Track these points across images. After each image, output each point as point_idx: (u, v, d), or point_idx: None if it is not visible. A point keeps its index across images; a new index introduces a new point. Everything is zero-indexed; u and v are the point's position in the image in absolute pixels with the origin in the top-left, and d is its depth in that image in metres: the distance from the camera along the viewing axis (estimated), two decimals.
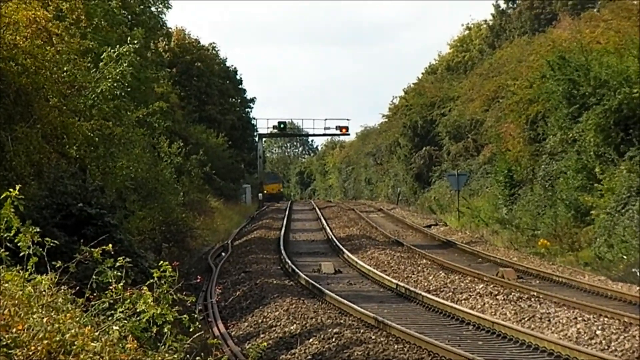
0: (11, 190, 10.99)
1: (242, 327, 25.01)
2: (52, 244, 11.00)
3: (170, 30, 78.44)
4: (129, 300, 10.49)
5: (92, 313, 10.46)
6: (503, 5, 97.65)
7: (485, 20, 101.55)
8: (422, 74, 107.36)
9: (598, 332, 21.91)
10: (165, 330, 10.11)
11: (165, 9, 58.19)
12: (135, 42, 36.69)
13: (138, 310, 10.30)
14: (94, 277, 11.07)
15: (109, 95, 33.12)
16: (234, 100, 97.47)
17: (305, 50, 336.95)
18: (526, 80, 52.21)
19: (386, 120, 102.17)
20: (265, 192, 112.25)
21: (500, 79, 64.11)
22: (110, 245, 11.51)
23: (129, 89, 35.78)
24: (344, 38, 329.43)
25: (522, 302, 26.49)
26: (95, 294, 10.87)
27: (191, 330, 10.63)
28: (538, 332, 21.95)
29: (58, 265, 11.00)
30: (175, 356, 9.45)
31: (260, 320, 25.30)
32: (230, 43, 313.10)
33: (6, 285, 10.00)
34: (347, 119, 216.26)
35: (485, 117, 64.00)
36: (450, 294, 29.00)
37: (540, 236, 41.53)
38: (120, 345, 8.92)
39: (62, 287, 10.90)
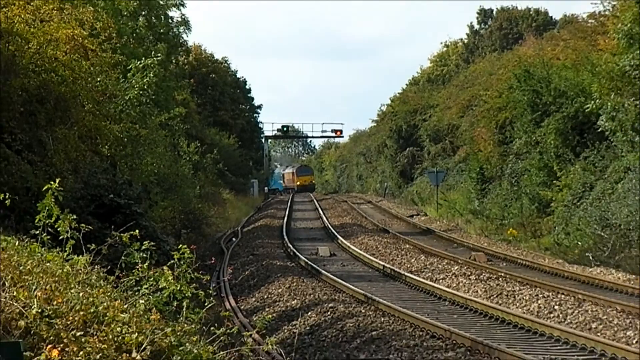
0: (52, 183, 11.03)
1: (250, 302, 25.06)
2: (86, 230, 11.03)
3: (189, 46, 78.39)
4: (152, 278, 10.52)
5: (121, 289, 10.50)
6: (476, 26, 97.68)
7: (461, 39, 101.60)
8: (406, 84, 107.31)
9: (556, 307, 21.96)
10: (184, 304, 10.14)
11: (187, 31, 58.27)
12: (159, 54, 36.78)
13: (160, 287, 10.33)
14: (122, 258, 11.10)
15: (135, 102, 33.23)
16: (243, 106, 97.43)
17: (306, 63, 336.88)
18: (496, 91, 52.19)
19: (375, 124, 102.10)
20: (298, 183, 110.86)
21: (474, 90, 64.10)
22: (136, 231, 11.53)
23: (153, 97, 35.86)
24: (340, 53, 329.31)
25: (492, 281, 26.54)
26: (124, 273, 10.91)
27: (206, 304, 10.65)
28: (505, 307, 22.00)
29: (92, 247, 11.04)
30: (193, 326, 9.46)
31: (265, 296, 25.35)
32: (242, 56, 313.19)
33: (48, 264, 10.04)
34: (342, 123, 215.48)
35: (460, 123, 63.98)
36: (430, 274, 29.05)
37: (508, 225, 41.58)
38: (145, 316, 8.94)
39: (96, 267, 10.94)
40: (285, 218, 54.24)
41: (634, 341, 18.20)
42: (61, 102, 24.75)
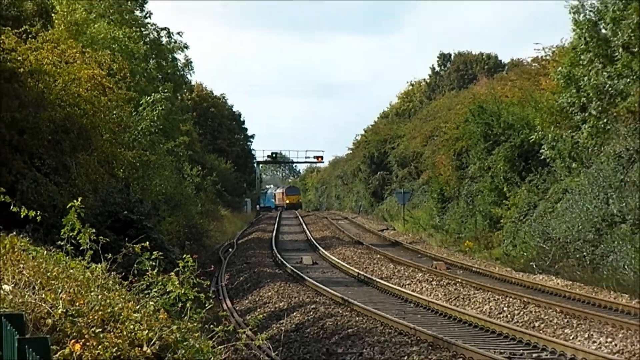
0: (75, 201, 11.03)
1: (244, 304, 25.03)
2: (104, 241, 11.01)
3: (192, 85, 78.43)
4: (161, 283, 10.49)
5: (134, 292, 10.47)
6: (437, 68, 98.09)
7: (424, 79, 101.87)
8: (378, 117, 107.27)
9: (505, 308, 22.02)
10: (188, 305, 10.12)
11: (191, 72, 58.44)
12: (166, 91, 36.83)
13: (167, 291, 10.32)
14: (135, 265, 11.06)
15: (146, 132, 33.23)
16: (238, 136, 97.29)
17: (293, 100, 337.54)
18: (454, 123, 52.38)
19: (351, 151, 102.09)
20: (287, 202, 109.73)
21: (435, 122, 64.25)
22: (147, 242, 11.50)
23: (161, 127, 35.87)
24: (320, 91, 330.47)
25: (450, 286, 26.60)
26: (136, 278, 10.88)
27: (206, 305, 10.65)
28: (461, 309, 22.06)
29: (109, 257, 11.01)
30: (195, 324, 9.45)
31: (257, 299, 25.32)
32: (239, 93, 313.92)
33: (71, 271, 10.03)
34: (322, 150, 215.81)
35: (424, 150, 64.12)
36: (398, 280, 29.08)
37: (464, 238, 41.65)
38: (154, 316, 8.93)
39: (112, 273, 10.91)
40: (274, 232, 54.16)
41: (571, 337, 18.28)
42: (83, 132, 24.77)
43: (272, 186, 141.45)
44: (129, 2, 46.43)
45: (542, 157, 35.55)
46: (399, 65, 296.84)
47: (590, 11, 32.41)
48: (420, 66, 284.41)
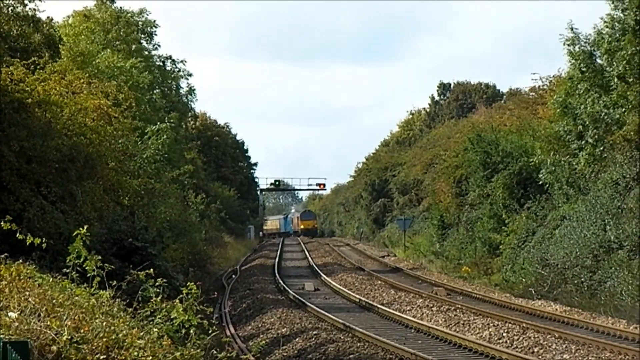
0: (81, 229, 11.03)
1: (247, 330, 24.92)
2: (109, 268, 11.00)
3: (196, 113, 78.64)
4: (165, 310, 10.46)
5: (138, 319, 10.44)
6: (437, 97, 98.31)
7: (424, 108, 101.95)
8: (379, 146, 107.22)
9: (504, 334, 21.93)
10: (191, 331, 10.09)
11: (194, 99, 58.72)
12: (172, 121, 36.97)
13: (171, 317, 10.28)
14: (139, 292, 11.04)
15: (151, 160, 33.29)
16: (242, 164, 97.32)
17: (295, 128, 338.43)
18: (453, 151, 52.42)
19: (352, 179, 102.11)
20: (302, 227, 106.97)
21: (435, 150, 64.33)
22: (151, 269, 11.48)
23: (166, 156, 35.95)
24: (322, 119, 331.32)
25: (450, 312, 26.49)
26: (140, 305, 10.85)
27: (210, 332, 10.61)
28: (461, 334, 21.96)
29: (114, 283, 11.00)
30: (199, 351, 9.41)
31: (260, 325, 25.22)
32: (242, 121, 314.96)
33: (76, 298, 10.01)
34: (324, 178, 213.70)
35: (424, 178, 64.15)
36: (398, 306, 28.97)
37: (464, 264, 41.55)
38: (158, 342, 8.91)
39: (117, 300, 10.89)
40: (277, 258, 54.02)
41: None
42: (89, 160, 24.81)
43: (293, 210, 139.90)
44: (136, 34, 46.78)
45: (541, 182, 35.56)
46: (399, 93, 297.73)
47: (586, 42, 32.55)
48: (421, 95, 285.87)
